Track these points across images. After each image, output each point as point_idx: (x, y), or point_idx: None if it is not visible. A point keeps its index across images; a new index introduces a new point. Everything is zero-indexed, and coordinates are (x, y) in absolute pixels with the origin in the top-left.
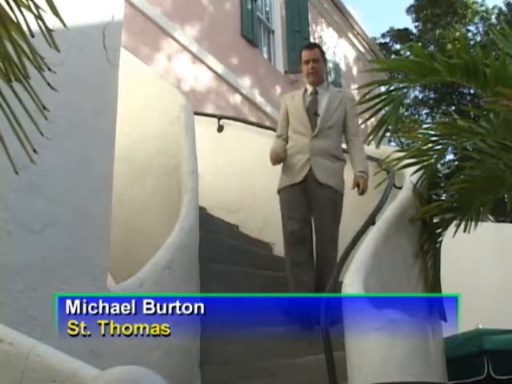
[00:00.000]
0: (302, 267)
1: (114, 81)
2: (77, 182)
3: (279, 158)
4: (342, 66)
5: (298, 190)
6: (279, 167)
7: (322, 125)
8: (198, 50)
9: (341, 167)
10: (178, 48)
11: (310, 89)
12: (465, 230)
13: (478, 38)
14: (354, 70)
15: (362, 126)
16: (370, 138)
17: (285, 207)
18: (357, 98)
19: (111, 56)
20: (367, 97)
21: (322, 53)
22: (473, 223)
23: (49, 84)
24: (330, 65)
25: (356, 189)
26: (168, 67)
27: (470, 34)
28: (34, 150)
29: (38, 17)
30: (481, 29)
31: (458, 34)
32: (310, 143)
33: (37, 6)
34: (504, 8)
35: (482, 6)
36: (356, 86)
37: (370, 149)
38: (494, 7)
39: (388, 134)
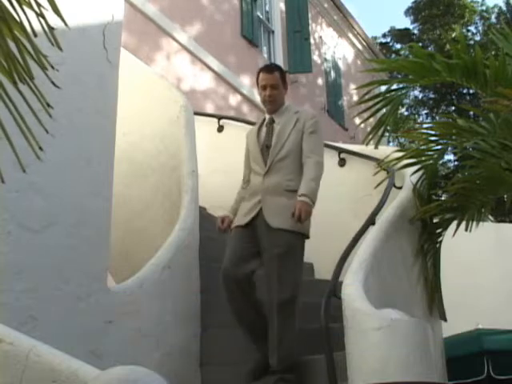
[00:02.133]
0: (245, 328)
1: (114, 81)
2: (77, 182)
3: (219, 230)
4: (342, 66)
5: (245, 233)
6: None
7: (272, 158)
8: (197, 49)
9: None
10: (177, 48)
11: (267, 118)
12: (466, 230)
13: (478, 38)
14: (354, 70)
15: (362, 125)
16: (369, 137)
17: (227, 247)
18: (356, 97)
19: (111, 56)
20: (366, 97)
21: (283, 77)
22: (473, 223)
23: (52, 82)
24: (330, 64)
25: (292, 215)
26: (168, 67)
27: (469, 34)
28: (40, 148)
29: (40, 15)
30: (480, 28)
31: (457, 34)
32: (263, 182)
33: (38, 5)
34: (504, 8)
35: (482, 5)
36: (355, 86)
37: (370, 149)
38: (494, 6)
39: (387, 135)
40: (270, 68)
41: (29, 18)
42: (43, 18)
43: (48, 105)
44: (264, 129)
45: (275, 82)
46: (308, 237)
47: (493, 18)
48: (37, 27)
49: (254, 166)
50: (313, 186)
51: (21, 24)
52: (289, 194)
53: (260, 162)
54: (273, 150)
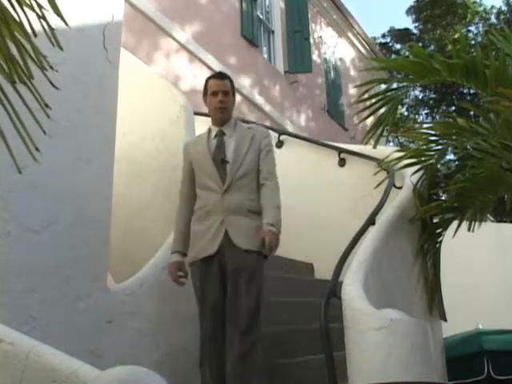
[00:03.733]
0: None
1: (114, 81)
2: (77, 182)
3: (175, 281)
4: (342, 66)
5: (212, 267)
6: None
7: (232, 175)
8: (197, 49)
9: (261, 224)
10: (177, 48)
11: (214, 130)
12: (469, 230)
13: (479, 39)
14: (354, 70)
15: (362, 125)
16: (369, 136)
17: (197, 292)
18: (356, 97)
19: (111, 56)
20: (366, 95)
21: (233, 86)
22: (473, 223)
23: (51, 83)
24: (330, 64)
25: (262, 246)
26: (168, 67)
27: (470, 35)
28: (37, 149)
29: (41, 16)
30: (481, 29)
31: (457, 34)
32: (222, 200)
33: (39, 6)
34: (504, 7)
35: (480, 5)
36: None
37: (370, 149)
38: (492, 7)
39: (386, 134)
40: (222, 75)
41: (29, 19)
42: (44, 19)
43: (46, 105)
44: (213, 141)
45: (227, 89)
46: (267, 258)
47: (493, 19)
48: (37, 27)
49: (207, 181)
50: (278, 214)
51: (21, 25)
52: (251, 215)
53: (216, 177)
54: (232, 166)
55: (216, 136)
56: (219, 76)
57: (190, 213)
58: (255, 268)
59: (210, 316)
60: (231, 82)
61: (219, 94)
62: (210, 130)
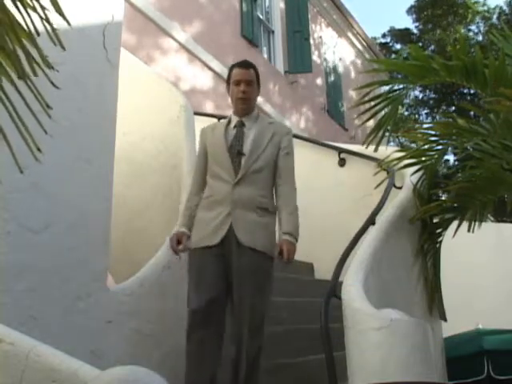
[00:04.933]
0: (204, 369)
1: (114, 81)
2: (77, 182)
3: (175, 251)
4: (342, 66)
5: (214, 255)
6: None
7: (246, 167)
8: (197, 49)
9: (271, 223)
10: (177, 48)
11: (234, 120)
12: (468, 230)
13: (480, 38)
14: (354, 70)
15: (362, 125)
16: (369, 139)
17: (193, 277)
18: (356, 97)
19: (111, 56)
20: (366, 98)
21: (258, 77)
22: (473, 223)
23: (52, 82)
24: (330, 64)
25: (279, 256)
26: (168, 67)
27: (471, 34)
28: (39, 149)
29: (44, 16)
30: (482, 28)
31: (457, 35)
32: (232, 192)
33: (41, 6)
34: (505, 8)
35: (484, 5)
36: (355, 86)
37: (370, 149)
38: (495, 7)
39: (387, 135)
40: (247, 63)
41: (31, 18)
42: (47, 19)
43: (47, 105)
44: (231, 131)
45: (251, 79)
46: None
47: (494, 19)
48: (38, 27)
49: (219, 170)
50: (296, 221)
51: (23, 24)
52: (260, 212)
53: (229, 168)
54: (248, 158)
55: (235, 126)
56: (244, 64)
57: (199, 200)
58: (262, 268)
59: (205, 291)
60: (256, 71)
61: (242, 84)
62: (230, 119)
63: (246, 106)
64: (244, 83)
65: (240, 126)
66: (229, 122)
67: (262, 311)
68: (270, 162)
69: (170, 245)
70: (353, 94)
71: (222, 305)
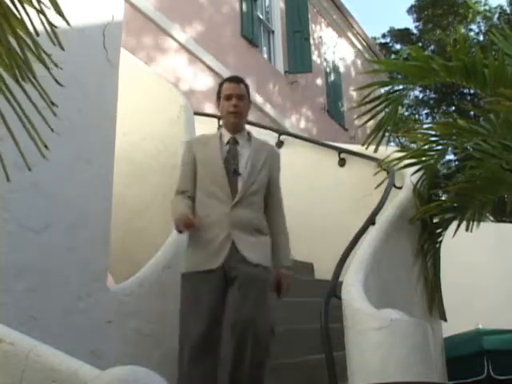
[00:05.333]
0: None
1: (114, 81)
2: (77, 182)
3: (190, 222)
4: (342, 66)
5: (215, 280)
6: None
7: (245, 190)
8: (197, 49)
9: (266, 242)
10: (177, 48)
11: (227, 136)
12: (467, 230)
13: (481, 38)
14: (354, 70)
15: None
16: (370, 139)
17: (188, 303)
18: (357, 98)
19: (111, 56)
20: (367, 99)
21: (248, 91)
22: (472, 224)
23: (56, 80)
24: (330, 64)
25: (275, 287)
26: (168, 67)
27: (472, 34)
28: (46, 146)
29: (42, 13)
30: (483, 28)
31: (458, 35)
32: (231, 213)
33: (39, 2)
34: (507, 8)
35: (485, 4)
36: (355, 86)
37: (370, 149)
38: (497, 6)
39: (387, 135)
40: (237, 78)
41: (30, 18)
42: (45, 16)
43: (52, 103)
44: (224, 147)
45: (242, 93)
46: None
47: (495, 19)
48: (38, 27)
49: (214, 189)
50: (290, 253)
51: (23, 23)
52: (256, 234)
53: (226, 188)
54: (247, 180)
55: (228, 143)
56: (234, 79)
57: (191, 204)
58: (267, 280)
59: (206, 315)
60: (246, 86)
61: (233, 98)
62: (221, 135)
63: (237, 120)
64: (235, 97)
65: (233, 143)
66: (220, 138)
67: (272, 323)
68: (263, 184)
69: (181, 222)
70: (353, 94)
71: (219, 333)
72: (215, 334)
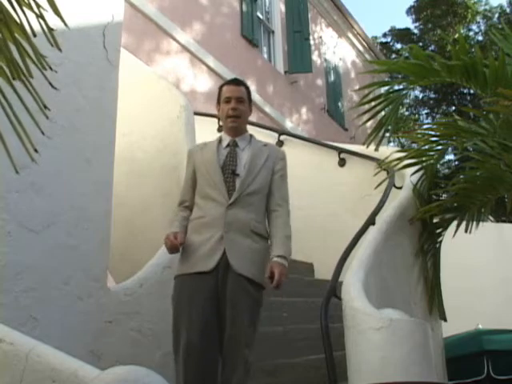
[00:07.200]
0: None
1: (114, 81)
2: (77, 182)
3: (174, 246)
4: (342, 66)
5: (206, 283)
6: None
7: (241, 189)
8: (197, 50)
9: (264, 249)
10: (177, 48)
11: (226, 139)
12: (466, 231)
13: (481, 38)
14: (354, 70)
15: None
16: (370, 139)
17: (181, 305)
18: (356, 97)
19: (111, 56)
20: (366, 99)
21: (249, 93)
22: (473, 223)
23: (50, 83)
24: (330, 65)
25: (269, 279)
26: (168, 67)
27: (471, 34)
28: (36, 150)
29: (40, 16)
30: (483, 28)
31: (458, 35)
32: (226, 214)
33: (38, 6)
34: (507, 8)
35: (485, 4)
36: (355, 86)
37: (370, 149)
38: (497, 6)
39: (387, 135)
40: (237, 81)
41: (28, 19)
42: (43, 19)
43: (45, 106)
44: (223, 150)
45: (241, 96)
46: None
47: (495, 18)
48: (36, 28)
49: (210, 191)
50: (289, 245)
51: (20, 25)
52: (254, 237)
53: (221, 188)
54: (244, 180)
55: (228, 146)
56: (233, 82)
57: (185, 221)
58: (254, 298)
59: (199, 326)
60: (247, 89)
61: (232, 101)
62: (220, 139)
63: (236, 124)
64: (234, 100)
65: (233, 145)
66: (219, 142)
67: (250, 337)
68: (264, 185)
69: (166, 246)
70: (353, 94)
71: (215, 333)
72: (210, 339)
